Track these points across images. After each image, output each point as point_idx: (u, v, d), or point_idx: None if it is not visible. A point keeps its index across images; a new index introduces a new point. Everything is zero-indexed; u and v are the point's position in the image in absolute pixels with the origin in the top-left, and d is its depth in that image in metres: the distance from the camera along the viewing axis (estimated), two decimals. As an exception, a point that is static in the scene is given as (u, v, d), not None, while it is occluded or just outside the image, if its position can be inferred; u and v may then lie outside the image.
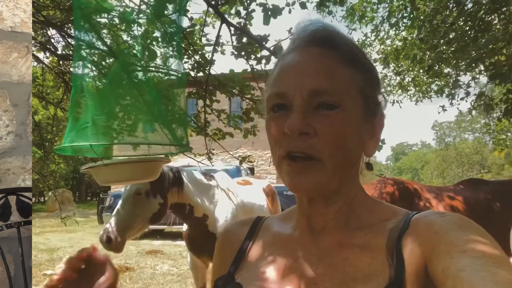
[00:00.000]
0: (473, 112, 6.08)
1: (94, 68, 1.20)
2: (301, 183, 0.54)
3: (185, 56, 2.28)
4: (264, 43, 2.03)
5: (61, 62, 2.83)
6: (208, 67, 2.11)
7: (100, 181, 0.83)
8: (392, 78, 8.52)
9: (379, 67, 7.56)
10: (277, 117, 0.56)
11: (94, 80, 1.08)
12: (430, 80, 7.61)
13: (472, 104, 5.59)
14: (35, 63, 3.16)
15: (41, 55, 2.95)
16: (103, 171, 0.80)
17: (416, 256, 0.49)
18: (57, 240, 9.10)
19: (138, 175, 0.83)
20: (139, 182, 0.84)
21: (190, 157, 2.44)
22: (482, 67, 5.32)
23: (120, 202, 2.20)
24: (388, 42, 7.89)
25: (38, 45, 2.78)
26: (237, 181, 3.30)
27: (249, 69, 2.14)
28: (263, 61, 2.09)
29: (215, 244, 0.72)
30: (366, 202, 0.61)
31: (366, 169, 0.63)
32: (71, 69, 2.64)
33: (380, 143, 0.62)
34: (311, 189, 0.55)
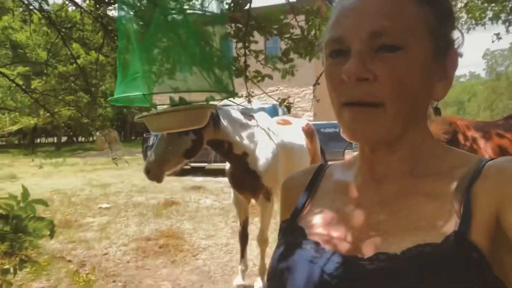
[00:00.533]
0: (532, 40, 5.54)
1: (134, 14, 1.19)
2: (361, 132, 0.52)
3: (221, -6, 2.19)
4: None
5: (97, 6, 2.82)
6: (248, 6, 2.02)
7: (152, 129, 0.88)
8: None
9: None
10: (335, 63, 0.53)
11: (137, 27, 1.08)
12: (485, 5, 6.90)
13: (532, 30, 5.07)
14: (73, 8, 3.18)
15: (78, -1, 2.95)
16: (156, 120, 0.84)
17: (487, 206, 0.46)
18: (108, 177, 9.85)
19: (189, 122, 0.86)
20: (190, 128, 0.88)
21: (230, 100, 2.47)
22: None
23: (156, 140, 2.49)
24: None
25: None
26: (276, 121, 3.33)
27: (287, 5, 2.03)
28: (304, -4, 1.97)
29: (280, 191, 0.74)
30: (434, 148, 0.57)
31: (434, 114, 0.59)
32: (114, 14, 2.64)
33: None
34: (371, 138, 0.54)
